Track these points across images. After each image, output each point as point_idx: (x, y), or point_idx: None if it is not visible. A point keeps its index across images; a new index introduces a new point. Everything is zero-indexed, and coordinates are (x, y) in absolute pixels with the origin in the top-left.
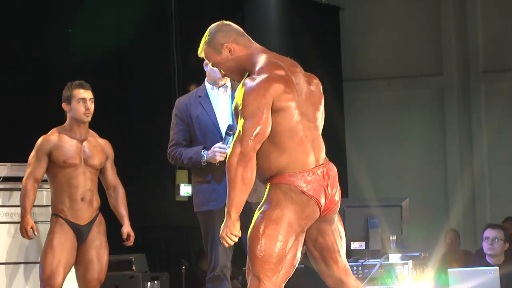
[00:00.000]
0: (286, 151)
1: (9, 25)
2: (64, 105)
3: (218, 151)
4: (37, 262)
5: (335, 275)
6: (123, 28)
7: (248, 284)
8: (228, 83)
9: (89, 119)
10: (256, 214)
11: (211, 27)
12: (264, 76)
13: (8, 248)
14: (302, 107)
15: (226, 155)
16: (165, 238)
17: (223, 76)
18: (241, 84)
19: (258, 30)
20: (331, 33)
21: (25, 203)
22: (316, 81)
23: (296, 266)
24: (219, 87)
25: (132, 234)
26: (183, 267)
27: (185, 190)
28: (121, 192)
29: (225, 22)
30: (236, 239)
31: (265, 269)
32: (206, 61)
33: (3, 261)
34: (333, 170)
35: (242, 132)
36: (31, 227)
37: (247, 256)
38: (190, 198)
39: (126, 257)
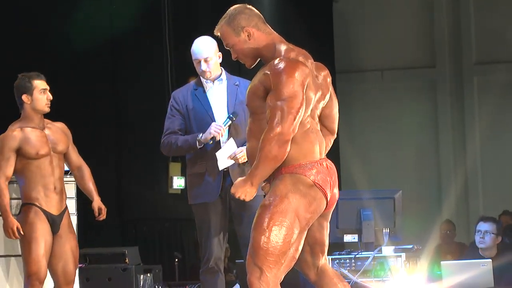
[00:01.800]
0: (295, 140)
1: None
2: (24, 97)
3: (214, 127)
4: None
5: (318, 266)
6: (117, 20)
7: (249, 274)
8: (224, 76)
9: (49, 109)
10: (263, 204)
11: (233, 8)
12: (297, 61)
13: None
14: (314, 107)
15: (221, 133)
16: (158, 231)
17: (235, 58)
18: (268, 67)
19: None
20: (325, 25)
21: (4, 202)
22: (325, 72)
23: (298, 259)
24: (214, 80)
25: (103, 207)
26: (176, 259)
27: (178, 182)
28: (86, 170)
29: (248, 5)
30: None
31: (268, 260)
32: (194, 63)
33: None
34: (333, 166)
35: (284, 112)
36: (17, 227)
37: (250, 246)
38: (183, 190)
39: (119, 249)
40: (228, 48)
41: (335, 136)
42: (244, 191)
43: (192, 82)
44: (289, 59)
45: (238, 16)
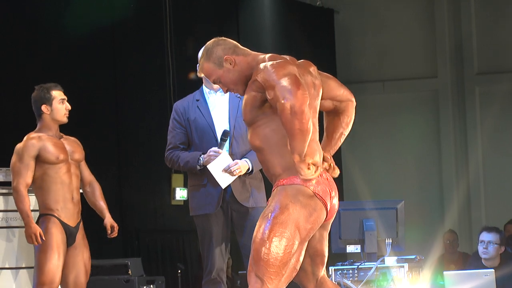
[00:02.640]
0: None
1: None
2: (44, 107)
3: (213, 155)
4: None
5: (318, 277)
6: (117, 15)
7: (250, 286)
8: None
9: (67, 120)
10: (263, 215)
11: (208, 44)
12: (281, 61)
13: (4, 253)
14: (311, 105)
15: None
16: (161, 242)
17: (226, 91)
18: (254, 73)
19: (253, 32)
20: (326, 36)
21: (26, 208)
22: (312, 67)
23: (298, 271)
24: (216, 91)
25: (116, 225)
26: (179, 271)
27: (181, 194)
28: (97, 187)
29: (220, 37)
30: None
31: (269, 272)
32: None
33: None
34: (332, 179)
35: (285, 88)
36: (39, 233)
37: (251, 257)
38: (185, 202)
39: (122, 261)
40: (216, 84)
41: (354, 101)
42: (298, 167)
43: (194, 93)
44: (273, 60)
45: (215, 49)
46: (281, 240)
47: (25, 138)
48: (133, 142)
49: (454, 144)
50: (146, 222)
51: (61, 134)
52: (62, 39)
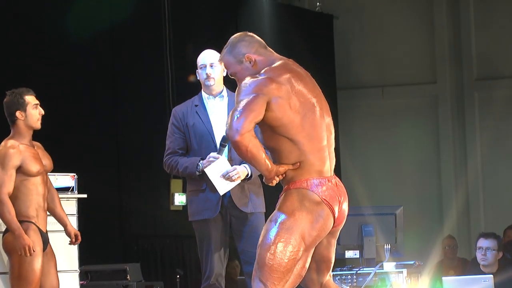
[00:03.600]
0: (305, 154)
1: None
2: (18, 114)
3: (213, 161)
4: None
5: (322, 282)
6: (116, 19)
7: None
8: (225, 93)
9: (40, 126)
10: (270, 220)
11: (233, 37)
12: (264, 76)
13: None
14: (322, 114)
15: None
16: (159, 247)
17: None
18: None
19: None
20: (325, 42)
21: (14, 219)
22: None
23: (303, 276)
24: (215, 96)
25: (78, 233)
26: (178, 276)
27: (180, 199)
28: (56, 194)
29: (248, 33)
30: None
31: (273, 277)
32: (199, 69)
33: None
34: (342, 183)
35: (236, 112)
36: (32, 245)
37: (255, 262)
38: (184, 207)
39: (120, 266)
40: (232, 77)
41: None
42: (269, 178)
43: (193, 98)
44: (257, 76)
45: (239, 44)
46: (286, 246)
47: (3, 145)
48: (132, 147)
49: (453, 149)
50: (145, 227)
51: (33, 141)
52: (62, 43)
